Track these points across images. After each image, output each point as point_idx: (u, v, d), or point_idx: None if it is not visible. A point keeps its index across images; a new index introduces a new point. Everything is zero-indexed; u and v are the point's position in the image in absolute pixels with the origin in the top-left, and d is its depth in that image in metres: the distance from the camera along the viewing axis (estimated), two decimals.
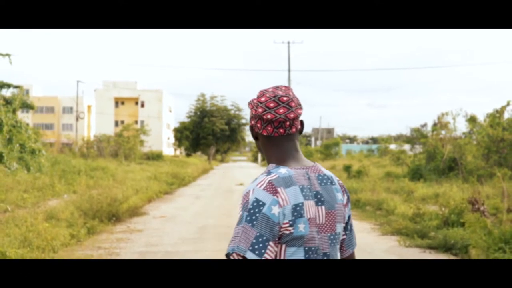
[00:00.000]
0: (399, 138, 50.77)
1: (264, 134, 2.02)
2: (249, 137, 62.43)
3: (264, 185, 1.85)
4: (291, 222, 1.80)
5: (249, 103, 2.05)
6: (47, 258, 7.76)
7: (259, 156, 61.75)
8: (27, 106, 26.01)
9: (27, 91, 49.88)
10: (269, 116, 1.97)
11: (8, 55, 25.10)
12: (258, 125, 2.03)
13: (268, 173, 1.93)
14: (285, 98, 1.97)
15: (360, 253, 8.69)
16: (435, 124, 25.75)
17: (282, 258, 1.80)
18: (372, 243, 9.66)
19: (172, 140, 67.05)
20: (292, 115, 1.97)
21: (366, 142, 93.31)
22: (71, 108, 69.49)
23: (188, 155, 61.24)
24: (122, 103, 76.68)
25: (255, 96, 2.06)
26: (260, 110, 2.00)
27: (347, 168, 25.62)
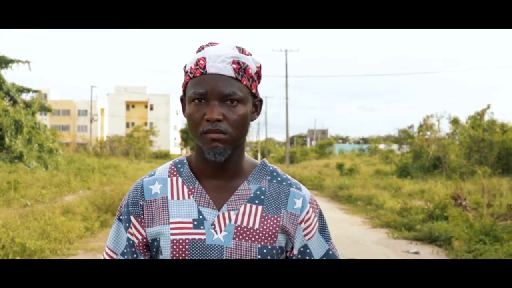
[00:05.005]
0: (387, 139, 50.75)
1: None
2: (249, 138, 62.17)
3: None
4: None
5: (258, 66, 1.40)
6: (64, 249, 7.76)
7: (259, 155, 61.70)
8: (45, 109, 26.01)
9: (45, 95, 49.82)
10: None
11: (27, 62, 25.12)
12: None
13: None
14: None
15: (353, 244, 8.69)
16: (421, 126, 25.75)
17: None
18: (363, 235, 9.66)
19: (179, 140, 66.98)
20: None
21: (357, 142, 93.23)
22: (86, 111, 69.43)
23: None
24: (133, 106, 76.62)
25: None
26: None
27: (340, 166, 25.61)
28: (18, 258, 6.80)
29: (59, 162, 21.22)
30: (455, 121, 23.52)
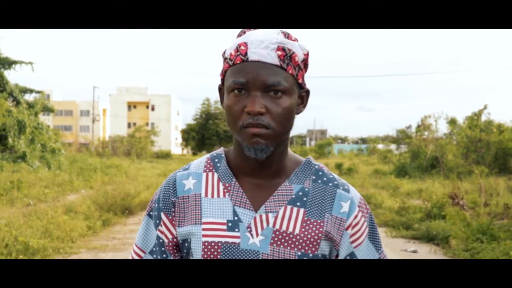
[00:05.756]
0: (386, 139, 50.77)
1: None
2: None
3: None
4: None
5: (305, 52, 1.24)
6: (66, 247, 7.75)
7: None
8: (48, 110, 26.02)
9: (48, 96, 49.84)
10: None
11: (30, 63, 25.10)
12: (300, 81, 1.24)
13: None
14: None
15: None
16: (418, 126, 25.75)
17: None
18: None
19: (180, 140, 67.03)
20: None
21: (356, 142, 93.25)
22: (88, 111, 69.46)
23: (194, 154, 61.22)
24: (134, 106, 76.63)
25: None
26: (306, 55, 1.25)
27: (338, 166, 25.62)
28: (21, 256, 6.80)
29: (61, 162, 21.21)
30: (452, 122, 23.53)
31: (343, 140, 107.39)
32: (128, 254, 8.44)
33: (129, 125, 72.58)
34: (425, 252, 8.04)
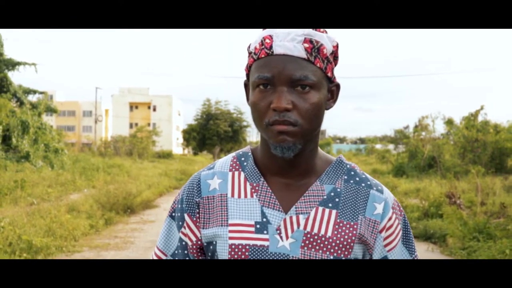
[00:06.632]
0: (384, 139, 50.77)
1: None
2: (250, 138, 62.22)
3: None
4: None
5: (333, 43, 1.17)
6: (69, 246, 7.75)
7: None
8: (51, 110, 25.99)
9: (51, 97, 49.78)
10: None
11: (34, 64, 25.09)
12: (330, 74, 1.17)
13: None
14: None
15: None
16: (416, 126, 25.77)
17: None
18: None
19: (181, 140, 67.02)
20: None
21: (354, 142, 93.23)
22: (91, 111, 69.42)
23: (195, 154, 61.22)
24: (136, 107, 76.64)
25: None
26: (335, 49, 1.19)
27: None
28: (24, 255, 6.80)
29: (64, 162, 21.20)
30: (449, 122, 23.54)
31: (342, 140, 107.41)
32: (130, 252, 8.41)
33: (131, 126, 72.57)
34: (423, 250, 8.04)
